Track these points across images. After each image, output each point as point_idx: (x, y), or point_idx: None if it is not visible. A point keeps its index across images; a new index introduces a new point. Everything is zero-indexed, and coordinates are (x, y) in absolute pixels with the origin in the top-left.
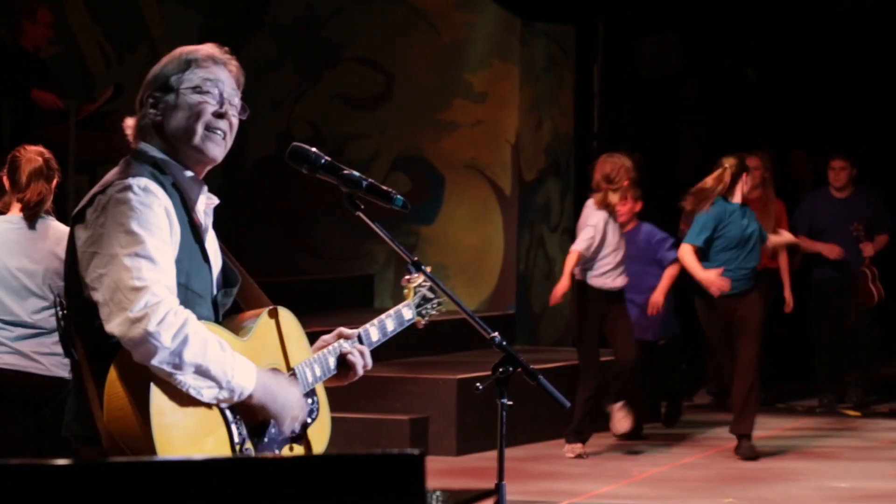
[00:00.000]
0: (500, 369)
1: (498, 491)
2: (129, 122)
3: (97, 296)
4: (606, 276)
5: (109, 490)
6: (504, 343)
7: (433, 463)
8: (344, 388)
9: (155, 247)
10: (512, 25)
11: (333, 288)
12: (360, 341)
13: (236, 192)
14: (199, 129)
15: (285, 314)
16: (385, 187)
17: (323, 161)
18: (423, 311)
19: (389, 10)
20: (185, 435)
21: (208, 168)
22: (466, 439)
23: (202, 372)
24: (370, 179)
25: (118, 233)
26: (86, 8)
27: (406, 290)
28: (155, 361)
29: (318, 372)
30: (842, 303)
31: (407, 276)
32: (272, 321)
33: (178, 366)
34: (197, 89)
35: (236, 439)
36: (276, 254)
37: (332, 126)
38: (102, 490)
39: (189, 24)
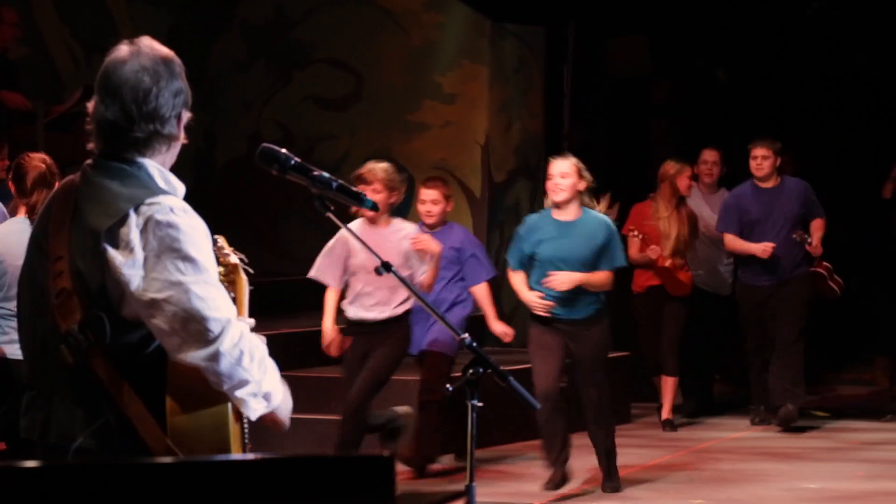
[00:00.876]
0: (471, 371)
1: (468, 492)
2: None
3: (156, 322)
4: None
5: (81, 490)
6: (474, 344)
7: (403, 465)
8: (313, 390)
9: (216, 273)
10: (481, 26)
11: (303, 289)
12: None
13: (206, 192)
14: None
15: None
16: (355, 188)
17: (293, 162)
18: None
19: (359, 11)
20: (236, 442)
21: None
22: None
23: (268, 397)
24: (340, 180)
25: (174, 258)
26: (54, 8)
27: (230, 271)
28: (239, 392)
29: None
30: (770, 308)
31: (222, 252)
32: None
33: (257, 394)
34: (184, 95)
35: (246, 440)
36: (246, 255)
37: (302, 127)
38: (72, 490)
39: (158, 24)
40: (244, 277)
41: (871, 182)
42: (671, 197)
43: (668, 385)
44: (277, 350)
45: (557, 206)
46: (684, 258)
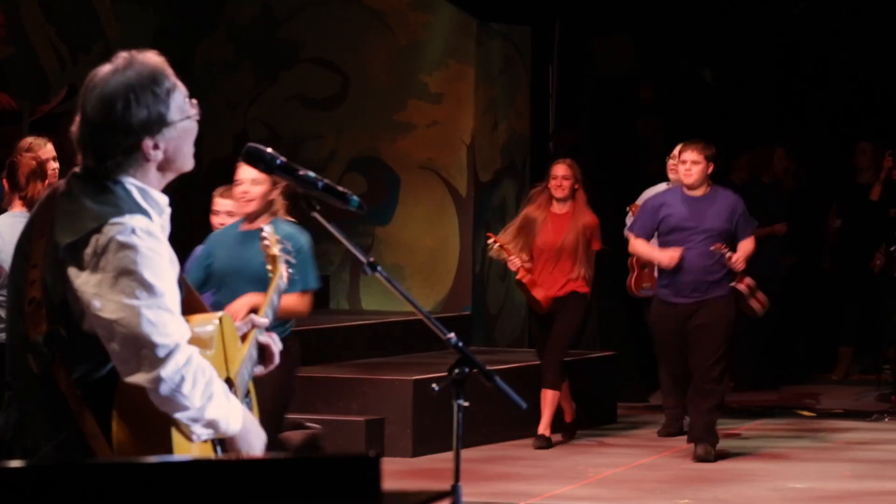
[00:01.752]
0: (457, 370)
1: (454, 492)
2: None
3: (110, 344)
4: None
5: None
6: (460, 344)
7: (389, 464)
8: (300, 390)
9: (172, 297)
10: (468, 26)
11: None
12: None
13: (191, 193)
14: (192, 149)
15: (228, 320)
16: (341, 188)
17: (279, 161)
18: (289, 269)
19: (346, 11)
20: None
21: None
22: (422, 441)
23: (213, 424)
24: (326, 180)
25: (130, 281)
26: (39, 8)
27: (274, 258)
28: (178, 415)
29: (249, 368)
30: (687, 330)
31: (265, 243)
32: (223, 329)
33: (198, 420)
34: (185, 113)
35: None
36: None
37: (288, 127)
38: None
39: (144, 24)
40: (281, 269)
41: (856, 180)
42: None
43: (547, 399)
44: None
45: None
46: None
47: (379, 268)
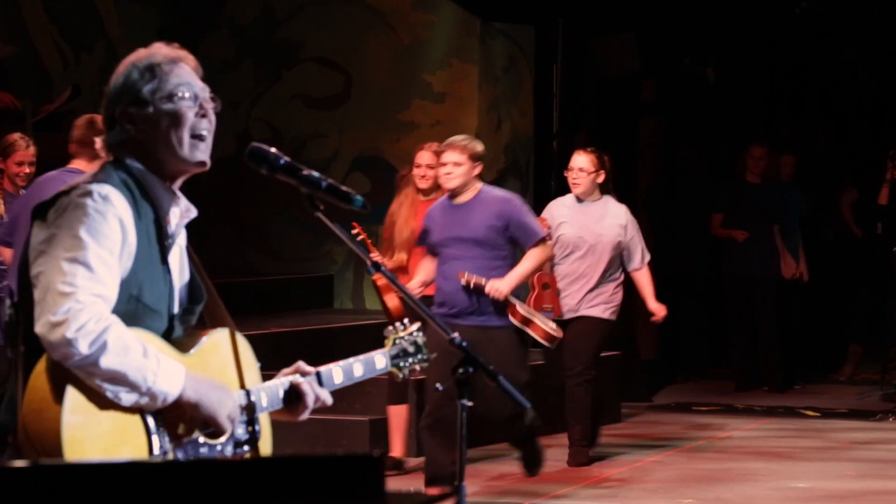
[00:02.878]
0: (460, 370)
1: (458, 492)
2: (98, 142)
3: (35, 293)
4: None
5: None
6: (464, 344)
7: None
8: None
9: (96, 254)
10: (471, 25)
11: (292, 289)
12: (320, 380)
13: (194, 193)
14: (186, 137)
15: (240, 339)
16: (344, 188)
17: (282, 161)
18: (402, 365)
19: (348, 10)
20: (97, 438)
21: (192, 174)
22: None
23: (119, 377)
24: (329, 180)
25: (66, 236)
26: (42, 7)
27: (386, 340)
28: (71, 365)
29: (264, 402)
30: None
31: (391, 327)
32: (224, 342)
33: (93, 372)
34: (173, 97)
35: (156, 451)
36: (235, 255)
37: (290, 126)
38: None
39: (146, 23)
40: (387, 349)
41: (859, 180)
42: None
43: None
44: (265, 349)
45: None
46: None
47: (382, 268)
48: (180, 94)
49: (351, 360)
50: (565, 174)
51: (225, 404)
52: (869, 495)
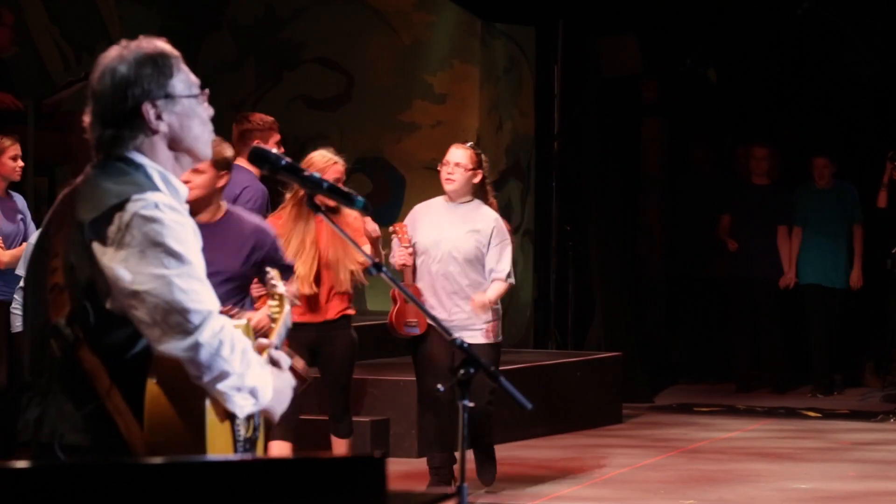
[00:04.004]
0: (462, 371)
1: (459, 493)
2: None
3: (138, 314)
4: None
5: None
6: (465, 345)
7: (394, 465)
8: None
9: (199, 265)
10: (472, 26)
11: None
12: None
13: None
14: (209, 135)
15: (248, 325)
16: (346, 189)
17: (284, 162)
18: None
19: (349, 11)
20: (223, 445)
21: None
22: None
23: (253, 393)
24: (330, 181)
25: (158, 253)
26: (44, 8)
27: (276, 301)
28: (221, 385)
29: None
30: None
31: (271, 283)
32: (248, 331)
33: (241, 388)
34: (191, 91)
35: (238, 451)
36: None
37: (292, 127)
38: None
39: (148, 24)
40: (287, 309)
41: (860, 180)
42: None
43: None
44: None
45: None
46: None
47: (384, 268)
48: (195, 91)
49: (279, 327)
50: (438, 168)
51: (286, 401)
52: (870, 496)
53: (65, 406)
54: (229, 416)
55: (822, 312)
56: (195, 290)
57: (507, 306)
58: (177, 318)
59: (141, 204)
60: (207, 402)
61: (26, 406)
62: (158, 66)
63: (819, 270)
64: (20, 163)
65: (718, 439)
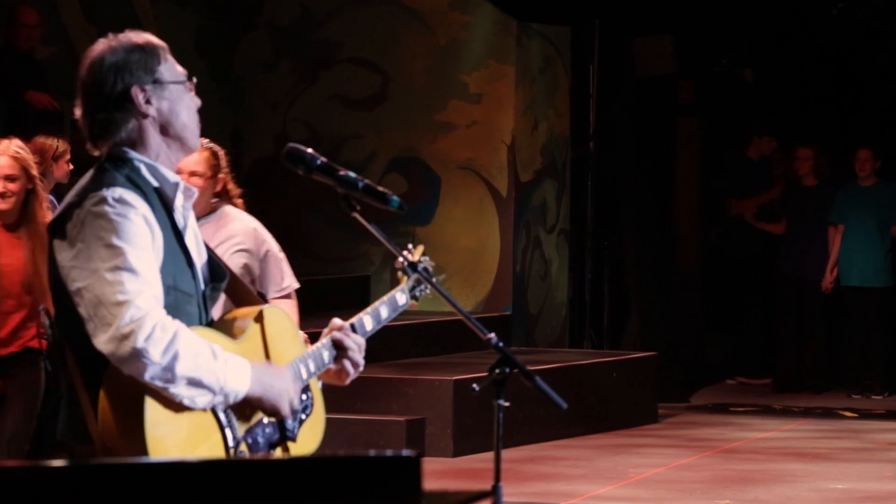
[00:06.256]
0: (497, 370)
1: (495, 492)
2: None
3: (81, 310)
4: None
5: (103, 491)
6: (500, 344)
7: (429, 464)
8: (340, 390)
9: (136, 257)
10: (508, 26)
11: (329, 289)
12: (354, 329)
13: None
14: (196, 125)
15: (278, 312)
16: (381, 188)
17: (319, 162)
18: (418, 294)
19: (385, 11)
20: (180, 444)
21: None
22: (463, 440)
23: (195, 383)
24: (366, 180)
25: (98, 247)
26: (80, 7)
27: (400, 275)
28: (146, 377)
29: (311, 367)
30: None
31: (400, 260)
32: (265, 320)
33: (171, 380)
34: (181, 82)
35: (230, 443)
36: None
37: (328, 127)
38: (97, 491)
39: (184, 24)
40: (403, 286)
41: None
42: None
43: None
44: None
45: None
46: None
47: (419, 268)
48: (182, 79)
49: (376, 304)
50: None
51: (286, 392)
52: None
53: (65, 407)
54: (215, 416)
55: (861, 313)
56: (121, 281)
57: (543, 306)
58: (102, 311)
59: (94, 200)
60: (147, 399)
61: (60, 405)
62: (146, 52)
63: (858, 271)
64: (71, 166)
65: (754, 439)
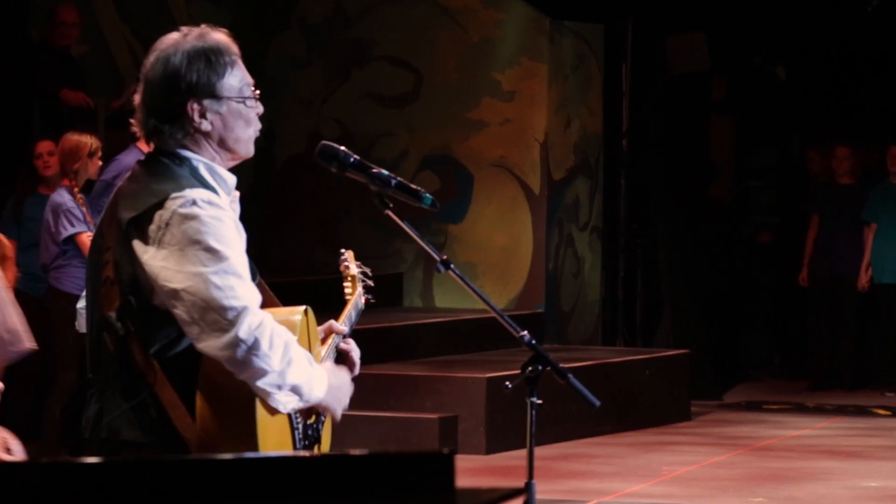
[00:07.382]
0: (530, 368)
1: (527, 490)
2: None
3: (179, 312)
4: None
5: (139, 488)
6: (533, 342)
7: (462, 462)
8: (373, 388)
9: (239, 261)
10: (540, 24)
11: None
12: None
13: (266, 191)
14: (253, 136)
15: (311, 312)
16: (414, 186)
17: (352, 160)
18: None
19: (418, 8)
20: (275, 446)
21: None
22: (496, 438)
23: (295, 390)
24: (399, 178)
25: (196, 250)
26: (114, 5)
27: (350, 282)
28: (260, 382)
29: None
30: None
31: (345, 264)
32: (309, 319)
33: (281, 386)
34: (244, 97)
35: (298, 444)
36: (305, 252)
37: (360, 125)
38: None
39: (217, 21)
40: (360, 290)
41: None
42: None
43: None
44: None
45: None
46: None
47: (452, 265)
48: (245, 93)
49: (349, 308)
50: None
51: (345, 397)
52: None
53: (119, 401)
54: (289, 415)
55: (894, 310)
56: (230, 286)
57: (576, 304)
58: (213, 316)
59: (180, 202)
60: (258, 402)
61: (87, 402)
62: (211, 63)
63: (892, 267)
64: (101, 162)
65: (788, 437)
